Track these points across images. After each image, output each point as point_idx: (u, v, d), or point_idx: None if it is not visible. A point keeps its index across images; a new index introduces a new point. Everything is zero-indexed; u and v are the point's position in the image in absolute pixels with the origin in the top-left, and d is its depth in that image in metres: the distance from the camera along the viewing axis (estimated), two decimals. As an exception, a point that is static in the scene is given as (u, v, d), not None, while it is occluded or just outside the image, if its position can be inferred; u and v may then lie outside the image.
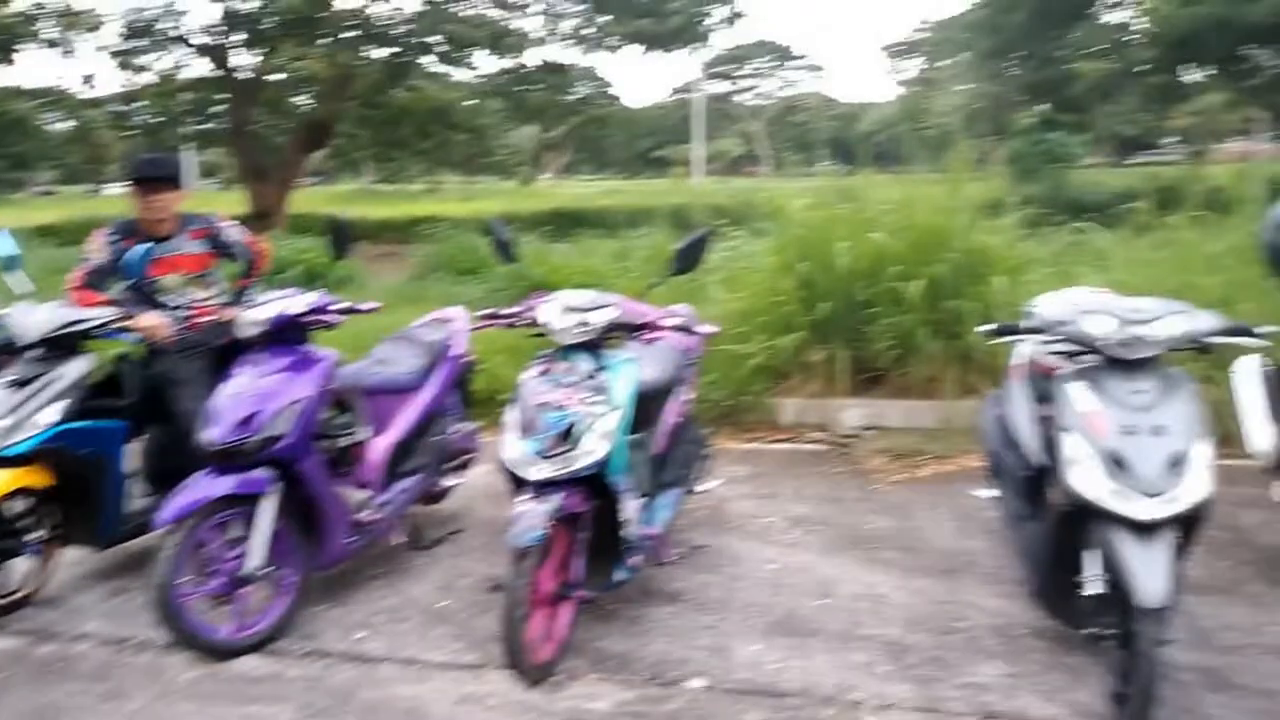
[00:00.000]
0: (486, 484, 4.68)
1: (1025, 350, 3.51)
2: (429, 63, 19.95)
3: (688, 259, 3.41)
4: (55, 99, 28.74)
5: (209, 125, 20.95)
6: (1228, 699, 2.72)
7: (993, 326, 3.16)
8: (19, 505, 3.50)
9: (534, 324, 3.25)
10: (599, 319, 3.15)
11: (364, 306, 3.70)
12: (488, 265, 9.73)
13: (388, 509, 3.73)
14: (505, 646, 2.81)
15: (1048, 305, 3.22)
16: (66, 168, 49.72)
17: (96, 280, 3.91)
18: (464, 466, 4.33)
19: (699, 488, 3.91)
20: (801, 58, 57.29)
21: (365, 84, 18.77)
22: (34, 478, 3.46)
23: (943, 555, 3.82)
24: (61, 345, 3.61)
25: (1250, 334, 2.88)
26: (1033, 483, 3.22)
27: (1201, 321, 2.85)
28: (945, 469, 4.84)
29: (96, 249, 3.93)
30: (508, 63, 19.55)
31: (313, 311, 3.48)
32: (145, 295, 3.95)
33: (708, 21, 20.04)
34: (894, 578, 3.61)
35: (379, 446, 3.79)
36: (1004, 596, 3.39)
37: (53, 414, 3.45)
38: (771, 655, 3.06)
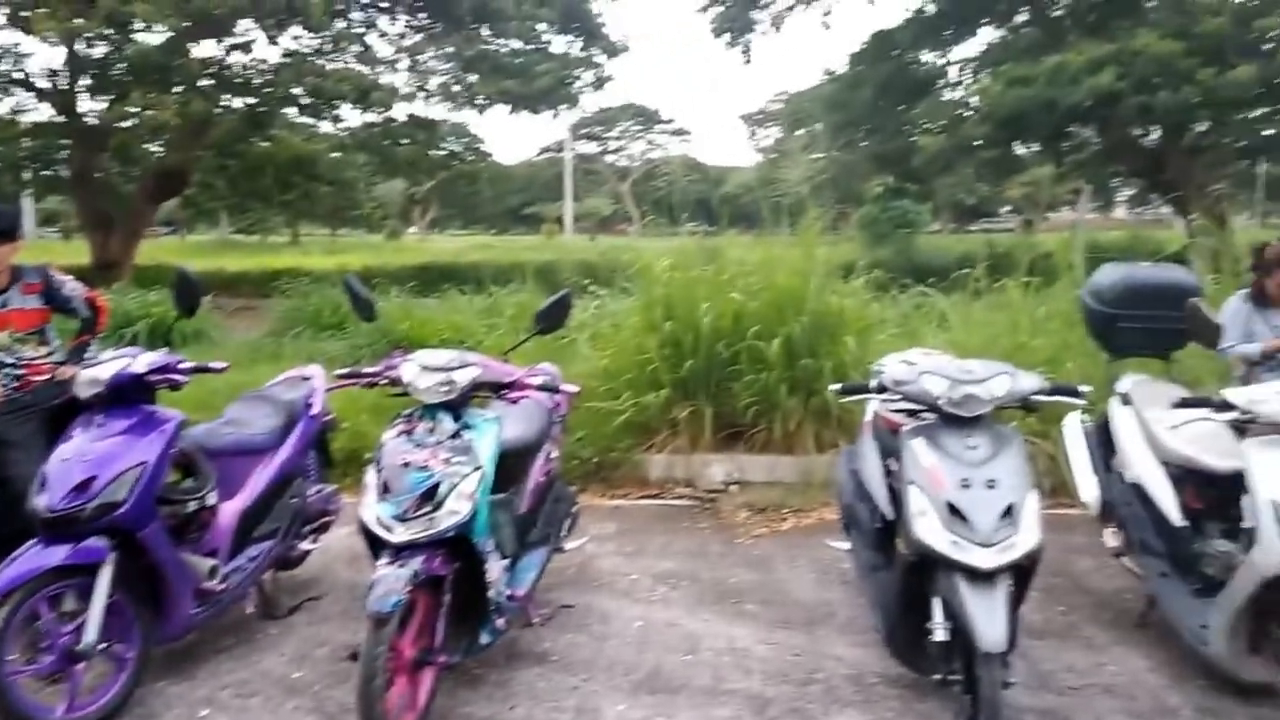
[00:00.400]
0: (346, 547, 4.55)
1: (873, 407, 3.70)
2: (292, 113, 19.54)
3: (551, 318, 3.46)
4: None
5: (50, 171, 19.79)
6: (1064, 736, 2.90)
7: (840, 386, 3.33)
8: None
9: (395, 383, 3.21)
10: (462, 378, 3.13)
11: (215, 365, 3.56)
12: (351, 321, 9.52)
13: (237, 577, 3.56)
14: (361, 716, 2.71)
15: (891, 365, 3.41)
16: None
17: (-79, 337, 3.63)
18: (322, 530, 4.18)
19: (567, 545, 3.91)
20: (669, 121, 59.02)
21: (222, 133, 18.17)
22: None
23: (802, 607, 3.93)
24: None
25: (1073, 393, 3.13)
26: (883, 534, 3.38)
27: (1026, 382, 3.08)
28: (805, 522, 5.01)
29: None
30: (374, 116, 19.34)
31: (157, 370, 3.32)
32: (-29, 353, 3.69)
33: (576, 84, 20.41)
34: (756, 631, 3.69)
35: (229, 511, 3.62)
36: (860, 645, 3.51)
37: None
38: (636, 714, 3.07)
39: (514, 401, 3.34)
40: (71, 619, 2.98)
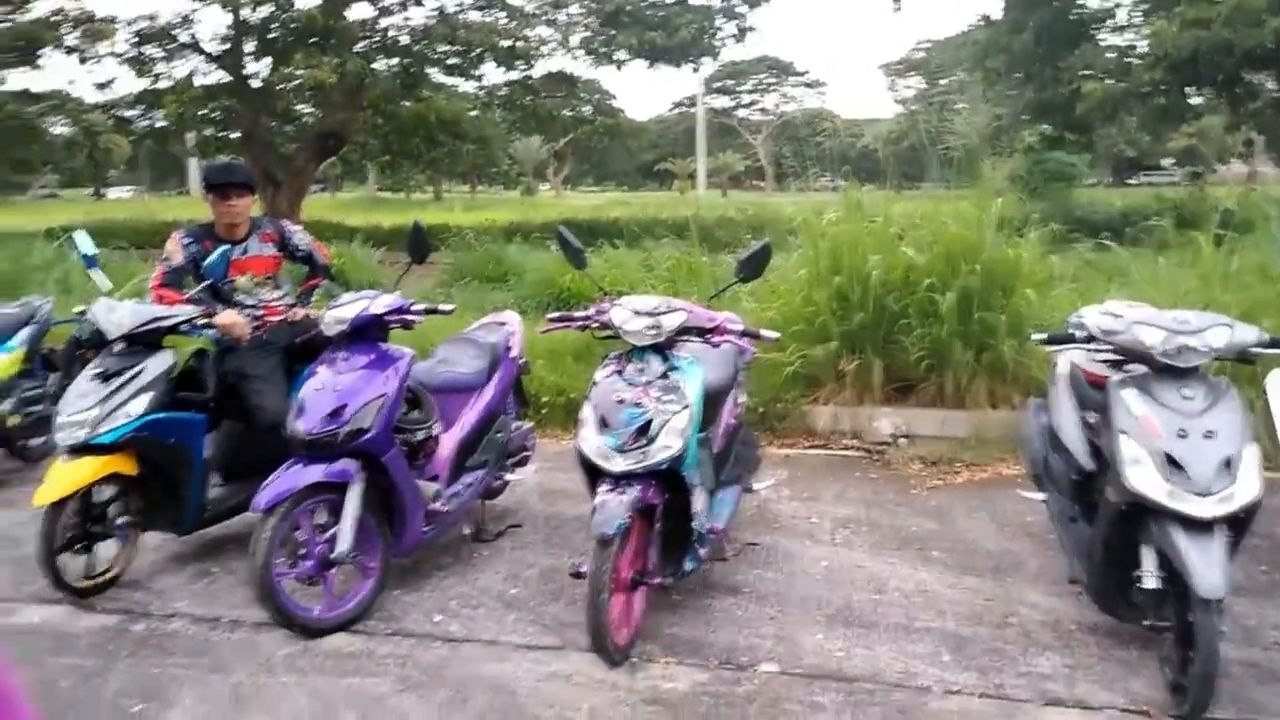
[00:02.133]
0: (536, 482, 4.86)
1: (1069, 359, 3.68)
2: (435, 73, 20.16)
3: (752, 267, 3.58)
4: (59, 103, 28.90)
5: (220, 132, 21.09)
6: (1275, 691, 2.88)
7: (1044, 335, 3.34)
8: (107, 491, 3.65)
9: (605, 326, 3.41)
10: (670, 322, 3.31)
11: (443, 307, 3.87)
12: (514, 273, 9.93)
13: (456, 501, 3.89)
14: (590, 627, 2.96)
15: (1093, 316, 3.38)
16: (68, 171, 49.82)
17: (175, 280, 4.07)
18: (521, 464, 4.48)
19: (756, 486, 4.07)
20: (803, 74, 57.79)
21: (376, 94, 18.94)
22: (122, 465, 3.61)
23: (988, 555, 3.98)
24: (146, 341, 3.76)
25: None
26: (1080, 485, 3.40)
27: (1245, 334, 3.03)
28: (980, 476, 5.02)
29: (174, 251, 4.08)
30: (514, 74, 19.76)
31: (393, 311, 3.64)
32: (221, 295, 4.11)
33: (718, 36, 20.25)
34: (944, 575, 3.77)
35: (447, 441, 3.95)
36: (1054, 594, 3.55)
37: (141, 405, 3.60)
38: (835, 644, 3.22)
39: (716, 345, 3.49)
40: (323, 531, 3.36)
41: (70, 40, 16.37)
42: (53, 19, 16.00)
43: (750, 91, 58.93)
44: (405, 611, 3.47)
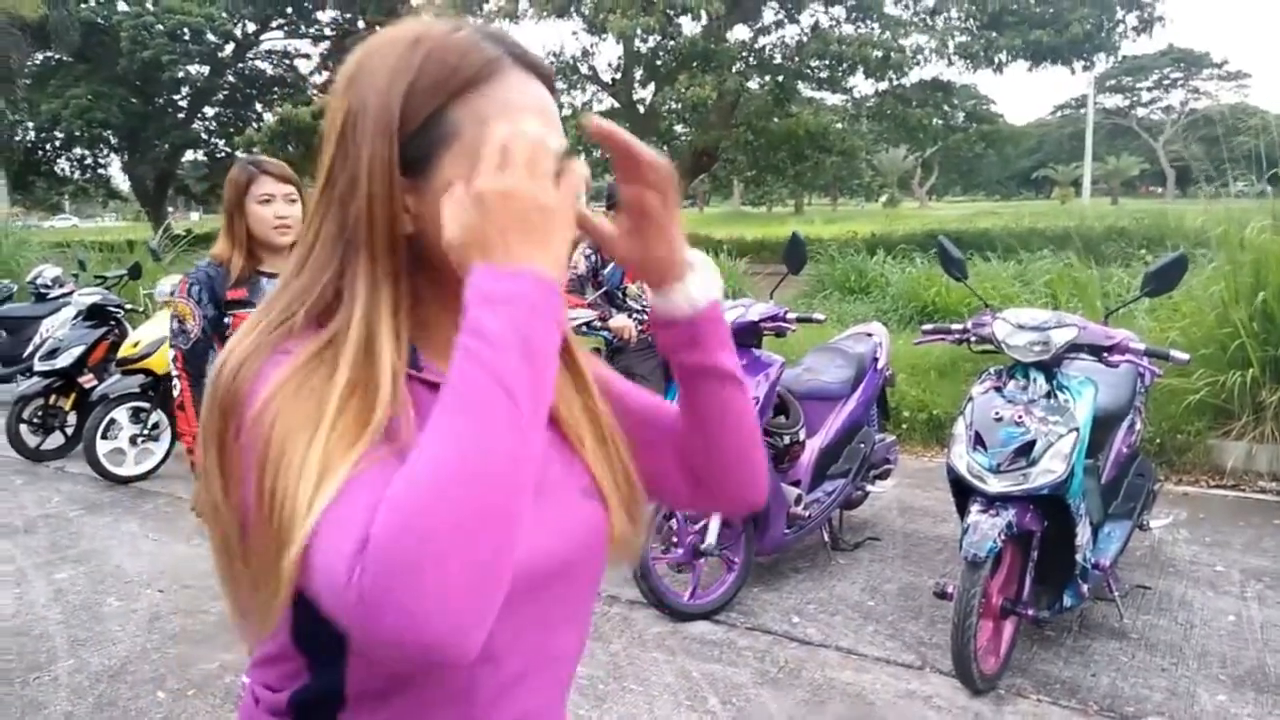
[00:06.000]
0: (895, 497, 4.78)
1: None
2: (804, 87, 20.42)
3: (1162, 281, 3.24)
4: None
5: (607, 154, 23.11)
6: None
7: None
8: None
9: (984, 340, 3.28)
10: (1058, 338, 3.11)
11: (816, 316, 3.97)
12: (875, 285, 9.82)
13: (816, 507, 3.95)
14: (954, 649, 2.87)
15: None
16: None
17: (578, 287, 4.56)
18: (883, 476, 4.44)
19: (1152, 523, 3.69)
20: (1220, 65, 50.64)
21: (749, 110, 19.63)
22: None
23: None
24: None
25: None
26: None
27: None
28: None
29: (578, 261, 4.57)
30: (885, 84, 19.42)
31: (770, 319, 3.79)
32: (614, 300, 4.53)
33: (1119, 29, 18.40)
34: (1395, 651, 3.16)
35: (810, 448, 4.02)
36: None
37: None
38: (1242, 708, 2.83)
39: (1114, 365, 3.22)
40: (694, 522, 3.58)
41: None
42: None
43: (1151, 88, 52.73)
44: (764, 609, 3.59)
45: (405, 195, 0.74)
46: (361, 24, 24.73)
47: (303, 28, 28.06)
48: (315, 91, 26.30)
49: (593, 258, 4.54)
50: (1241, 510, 4.66)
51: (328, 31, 27.91)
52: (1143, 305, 6.28)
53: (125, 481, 5.49)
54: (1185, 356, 3.15)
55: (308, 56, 29.31)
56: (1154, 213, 20.41)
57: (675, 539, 3.57)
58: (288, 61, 29.37)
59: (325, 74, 27.49)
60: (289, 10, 27.04)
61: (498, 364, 0.63)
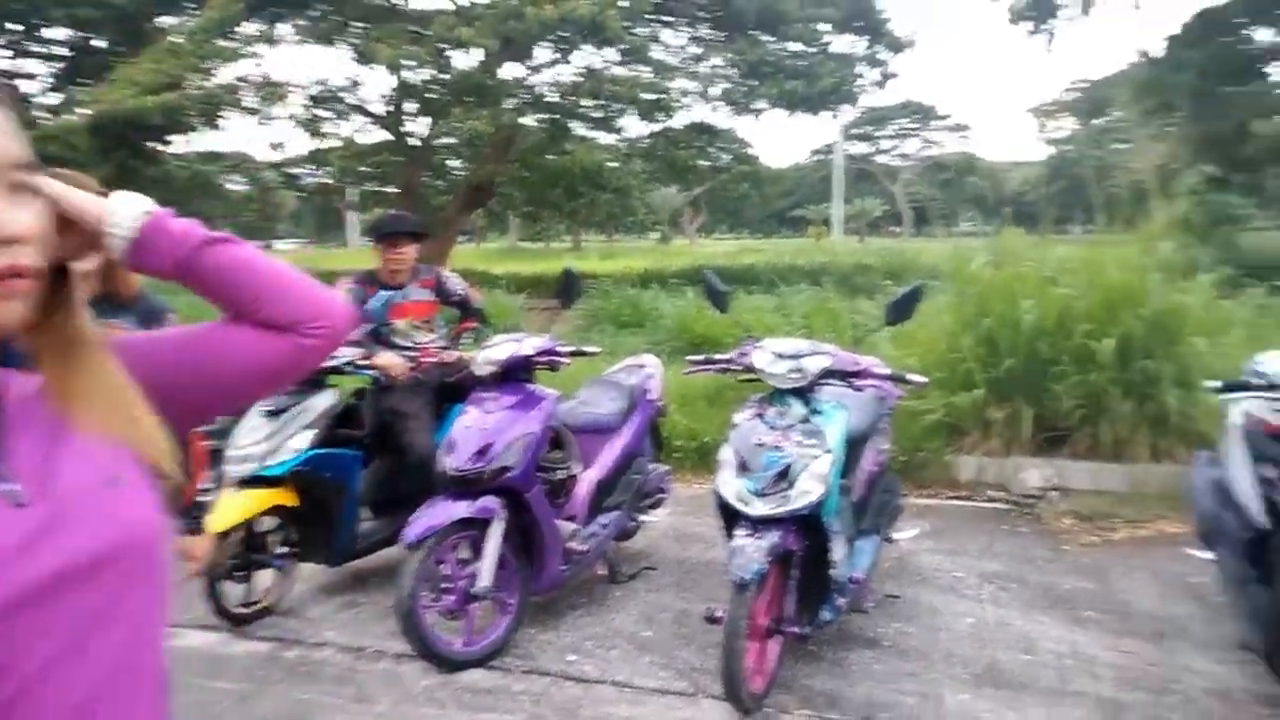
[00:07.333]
0: (669, 525, 4.87)
1: (1244, 410, 3.43)
2: (579, 127, 20.85)
3: (901, 311, 3.51)
4: (237, 163, 31.45)
5: (377, 187, 22.45)
6: None
7: (1220, 384, 3.14)
8: (268, 523, 3.88)
9: (748, 369, 3.41)
10: (812, 365, 3.28)
11: (589, 350, 3.98)
12: (649, 318, 10.07)
13: (593, 541, 3.94)
14: (724, 673, 2.92)
15: (1276, 364, 3.15)
16: (239, 225, 53.99)
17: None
18: (656, 505, 4.50)
19: (895, 535, 3.95)
20: (945, 117, 56.55)
21: (525, 147, 19.75)
22: (284, 497, 3.83)
23: (1149, 618, 3.72)
24: (311, 379, 4.00)
25: None
26: (1256, 544, 3.14)
27: None
28: (1140, 533, 4.71)
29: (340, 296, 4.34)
30: (655, 125, 20.19)
31: (544, 353, 3.76)
32: (380, 337, 4.34)
33: (859, 83, 20.16)
34: (1100, 638, 3.55)
35: (586, 481, 4.01)
36: (1222, 661, 3.28)
37: (304, 440, 3.82)
38: (982, 704, 3.07)
39: (859, 389, 3.44)
40: (465, 566, 3.46)
41: (249, 103, 17.83)
42: (237, 83, 17.50)
43: (891, 137, 58.06)
44: (540, 650, 3.52)
45: None
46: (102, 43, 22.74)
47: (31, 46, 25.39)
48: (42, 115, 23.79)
49: (357, 292, 4.33)
50: (976, 518, 5.12)
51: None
52: (885, 333, 6.84)
53: None
54: (923, 379, 3.42)
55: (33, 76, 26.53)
56: (895, 250, 22.30)
57: (445, 585, 3.42)
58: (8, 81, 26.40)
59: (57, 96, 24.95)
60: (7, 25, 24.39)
61: None
